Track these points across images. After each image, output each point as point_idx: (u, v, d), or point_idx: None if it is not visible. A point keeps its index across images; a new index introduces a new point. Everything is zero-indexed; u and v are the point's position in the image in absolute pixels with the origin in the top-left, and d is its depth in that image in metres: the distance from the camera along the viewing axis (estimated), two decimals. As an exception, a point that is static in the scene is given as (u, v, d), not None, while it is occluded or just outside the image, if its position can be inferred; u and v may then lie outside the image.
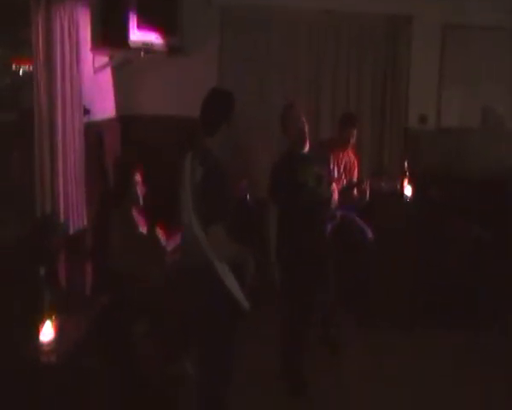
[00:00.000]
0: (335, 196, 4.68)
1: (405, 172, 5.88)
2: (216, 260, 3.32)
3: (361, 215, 5.54)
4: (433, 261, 5.77)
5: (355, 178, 5.60)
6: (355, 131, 5.46)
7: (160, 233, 4.58)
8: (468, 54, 6.13)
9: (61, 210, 4.16)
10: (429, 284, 5.66)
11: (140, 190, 4.54)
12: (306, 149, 4.39)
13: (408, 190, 5.83)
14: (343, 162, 5.52)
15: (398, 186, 5.94)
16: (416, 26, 6.09)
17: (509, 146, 6.17)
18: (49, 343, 2.94)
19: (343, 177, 5.51)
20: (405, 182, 5.86)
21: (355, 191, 5.49)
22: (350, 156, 5.59)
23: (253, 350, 4.67)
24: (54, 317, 2.99)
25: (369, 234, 5.42)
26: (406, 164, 5.90)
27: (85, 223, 4.45)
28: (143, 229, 4.53)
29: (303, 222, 4.32)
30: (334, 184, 4.73)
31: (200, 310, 3.47)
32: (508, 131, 6.26)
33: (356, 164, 5.61)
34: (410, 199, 5.83)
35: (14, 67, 4.24)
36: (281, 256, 4.31)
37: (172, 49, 5.29)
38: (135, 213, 4.52)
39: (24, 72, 4.22)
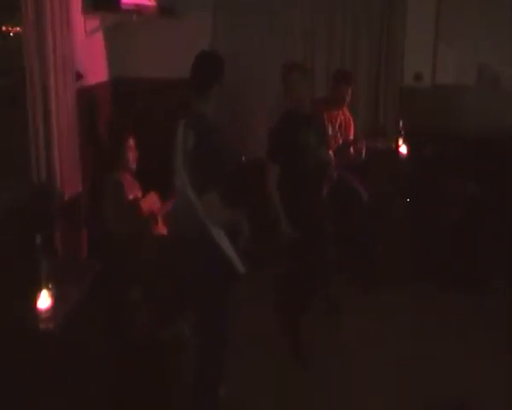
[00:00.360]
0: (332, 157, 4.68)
1: (400, 130, 5.90)
2: (210, 225, 3.34)
3: (357, 175, 5.56)
4: (428, 220, 5.80)
5: (351, 137, 5.58)
6: (350, 89, 5.40)
7: (153, 198, 4.60)
8: (464, 9, 6.05)
9: (57, 176, 4.16)
10: (427, 243, 5.70)
11: (133, 155, 4.55)
12: (307, 110, 4.35)
13: (403, 149, 5.86)
14: (338, 121, 5.49)
15: (394, 145, 5.97)
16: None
17: (505, 104, 6.14)
18: (47, 311, 2.98)
19: (338, 135, 5.49)
20: (400, 141, 5.89)
21: (351, 150, 5.47)
22: (345, 115, 5.56)
23: (255, 312, 4.73)
24: (51, 285, 3.02)
25: (365, 195, 5.44)
26: (401, 123, 5.91)
27: (80, 188, 4.46)
28: (137, 194, 4.54)
29: (303, 184, 4.30)
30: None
31: (195, 274, 3.51)
32: (504, 89, 6.22)
33: (351, 122, 5.59)
34: (406, 157, 5.86)
35: (5, 30, 4.19)
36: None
37: (164, 11, 5.23)
38: (128, 178, 4.53)
39: (14, 36, 4.17)
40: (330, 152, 4.64)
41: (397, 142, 5.92)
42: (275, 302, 4.66)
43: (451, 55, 6.19)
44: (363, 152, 5.44)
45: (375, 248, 5.59)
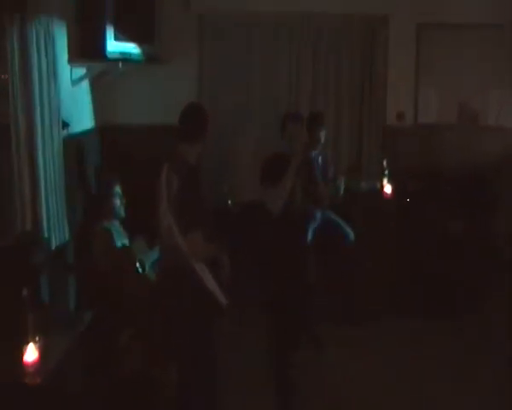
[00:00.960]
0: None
1: (384, 169, 5.96)
2: (194, 261, 3.52)
3: (342, 215, 5.60)
4: (411, 256, 5.86)
5: (330, 177, 5.59)
6: (323, 131, 5.41)
7: (140, 244, 4.60)
8: (443, 52, 6.20)
9: (43, 225, 4.16)
10: (410, 278, 5.77)
11: (120, 202, 4.57)
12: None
13: (387, 188, 5.91)
14: (315, 163, 5.50)
15: (378, 184, 6.03)
16: (391, 26, 6.15)
17: (484, 141, 6.25)
18: (33, 364, 2.96)
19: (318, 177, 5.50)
20: (385, 180, 5.94)
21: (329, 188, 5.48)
22: (324, 156, 5.59)
23: (240, 350, 4.80)
24: (37, 337, 3.00)
25: (351, 234, 5.48)
26: (385, 162, 5.98)
27: (67, 237, 4.46)
28: (124, 241, 4.55)
29: (285, 228, 4.30)
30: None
31: (180, 308, 3.61)
32: (483, 127, 6.33)
33: (330, 165, 5.61)
34: (390, 196, 5.91)
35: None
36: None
37: (150, 59, 5.30)
38: (116, 226, 4.54)
39: (1, 83, 4.18)
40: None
41: (381, 181, 5.97)
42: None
43: (432, 95, 6.31)
44: (342, 189, 5.44)
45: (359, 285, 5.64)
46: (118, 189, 4.59)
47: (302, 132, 4.39)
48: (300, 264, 4.43)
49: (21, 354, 2.98)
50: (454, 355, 4.98)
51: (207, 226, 3.58)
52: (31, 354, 2.98)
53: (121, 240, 4.51)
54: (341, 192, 5.43)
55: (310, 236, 5.11)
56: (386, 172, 5.95)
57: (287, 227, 4.24)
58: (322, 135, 5.40)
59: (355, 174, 6.17)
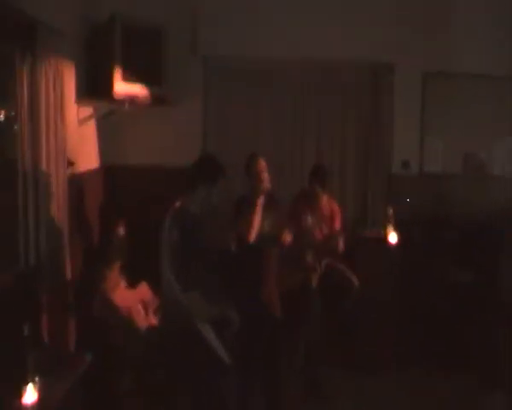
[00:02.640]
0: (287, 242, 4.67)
1: (389, 218, 5.91)
2: (197, 321, 3.43)
3: (346, 263, 5.54)
4: (416, 305, 5.78)
5: (337, 228, 5.56)
6: (323, 182, 5.38)
7: (144, 289, 4.53)
8: (449, 101, 6.24)
9: (45, 263, 4.10)
10: (413, 329, 5.68)
11: (123, 244, 4.52)
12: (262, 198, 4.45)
13: (393, 237, 5.85)
14: (319, 213, 5.48)
15: (383, 232, 5.97)
16: (397, 75, 6.18)
17: (489, 190, 6.23)
18: (32, 406, 2.85)
19: (322, 227, 5.47)
20: (390, 229, 5.89)
21: (340, 241, 5.44)
22: (329, 206, 5.55)
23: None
24: (37, 378, 2.90)
25: (355, 281, 5.41)
26: (390, 211, 5.94)
27: (69, 277, 4.38)
28: (125, 284, 4.48)
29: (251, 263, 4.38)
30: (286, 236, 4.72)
31: (185, 369, 3.54)
32: (488, 176, 6.33)
33: (338, 214, 5.57)
34: (395, 245, 5.85)
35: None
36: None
37: (157, 100, 5.30)
38: (118, 269, 4.48)
39: (6, 122, 4.18)
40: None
41: (386, 229, 5.92)
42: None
43: (438, 144, 6.32)
44: (341, 246, 5.40)
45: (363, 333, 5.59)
46: (121, 230, 4.55)
47: (262, 169, 4.48)
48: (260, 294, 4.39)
49: (20, 394, 2.87)
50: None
51: (211, 284, 3.50)
52: (30, 394, 2.88)
53: (122, 283, 4.44)
54: (341, 247, 5.38)
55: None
56: (392, 220, 5.90)
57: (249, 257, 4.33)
58: (323, 186, 5.36)
59: (360, 223, 6.15)
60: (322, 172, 5.42)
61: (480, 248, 5.90)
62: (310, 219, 5.33)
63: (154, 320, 4.39)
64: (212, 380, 3.52)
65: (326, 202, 5.46)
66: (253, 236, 4.29)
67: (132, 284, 4.59)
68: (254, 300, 4.31)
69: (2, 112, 4.12)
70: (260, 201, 4.38)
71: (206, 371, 3.48)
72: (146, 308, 4.44)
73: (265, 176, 4.46)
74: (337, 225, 5.50)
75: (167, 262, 3.47)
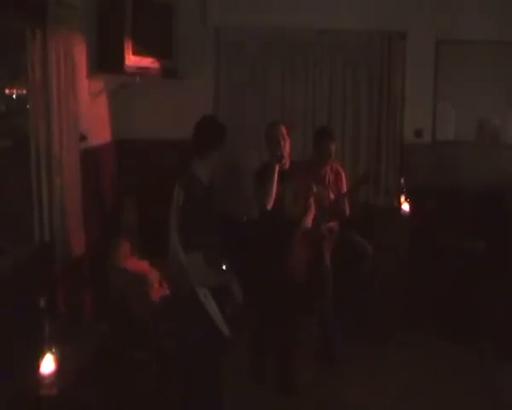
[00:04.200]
0: (310, 216, 4.73)
1: (402, 187, 5.90)
2: (197, 286, 3.37)
3: (359, 232, 5.56)
4: (427, 275, 5.75)
5: (344, 190, 5.54)
6: (331, 144, 5.31)
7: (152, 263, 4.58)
8: (461, 68, 6.17)
9: (60, 237, 4.16)
10: (425, 298, 5.66)
11: (134, 216, 4.56)
12: (286, 165, 4.52)
13: (405, 206, 5.85)
14: (327, 177, 5.47)
15: (396, 202, 5.97)
16: (409, 42, 6.13)
17: (504, 158, 6.19)
18: (50, 376, 2.92)
19: (329, 191, 5.45)
20: (402, 198, 5.89)
21: (345, 202, 5.43)
22: (335, 170, 5.54)
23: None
24: (54, 349, 2.97)
25: (369, 249, 5.43)
26: (403, 180, 5.93)
27: (83, 250, 4.44)
28: (136, 255, 4.53)
29: (274, 235, 4.47)
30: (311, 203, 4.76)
31: (184, 337, 3.55)
32: (502, 144, 6.28)
33: (343, 177, 5.56)
34: (408, 214, 5.85)
35: (8, 93, 4.23)
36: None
37: (168, 73, 5.31)
38: (129, 240, 4.53)
39: (19, 98, 4.22)
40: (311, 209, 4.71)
41: (399, 199, 5.91)
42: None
43: (451, 112, 6.27)
44: (347, 205, 5.40)
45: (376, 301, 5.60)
46: (132, 202, 4.58)
47: (280, 136, 4.54)
48: (284, 261, 4.49)
49: (38, 365, 2.94)
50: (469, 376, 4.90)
51: (214, 251, 3.43)
52: (48, 364, 2.94)
53: (133, 254, 4.49)
54: (347, 209, 5.37)
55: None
56: (404, 189, 5.89)
57: (274, 227, 4.43)
58: (331, 148, 5.36)
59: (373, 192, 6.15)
60: (329, 133, 5.41)
61: (493, 217, 5.88)
62: (318, 188, 5.31)
63: (166, 291, 4.44)
64: (210, 353, 3.51)
65: (331, 166, 5.44)
66: (271, 203, 4.36)
67: (144, 256, 4.63)
68: (280, 265, 4.43)
69: (15, 91, 4.16)
70: (278, 167, 4.45)
71: (205, 341, 3.46)
72: (159, 280, 4.49)
73: (285, 143, 4.52)
74: (343, 187, 5.50)
75: (175, 228, 3.44)
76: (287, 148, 4.56)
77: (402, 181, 5.90)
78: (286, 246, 4.53)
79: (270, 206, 4.38)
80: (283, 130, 4.58)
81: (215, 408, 3.61)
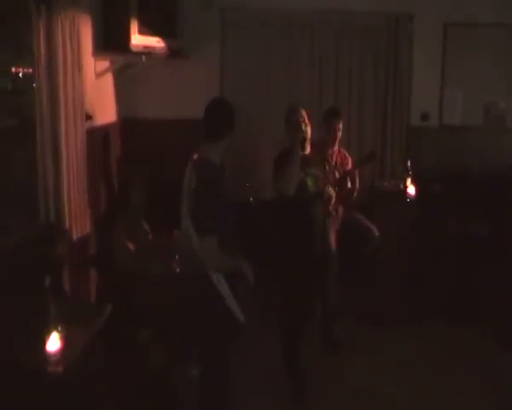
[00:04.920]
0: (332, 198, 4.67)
1: (408, 171, 5.88)
2: (211, 271, 3.34)
3: (365, 214, 5.55)
4: (432, 259, 5.76)
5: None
6: (340, 124, 5.31)
7: (162, 239, 4.58)
8: (469, 51, 6.12)
9: (65, 217, 4.16)
10: (428, 282, 5.66)
11: (141, 195, 4.56)
12: (307, 151, 4.40)
13: (411, 189, 5.83)
14: (334, 159, 5.46)
15: (401, 185, 5.95)
16: (417, 25, 6.08)
17: (510, 142, 6.16)
18: (56, 354, 2.93)
19: (335, 172, 5.44)
20: (408, 181, 5.87)
21: (347, 181, 5.42)
22: (341, 153, 5.52)
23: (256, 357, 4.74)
24: (60, 327, 2.98)
25: (375, 231, 5.43)
26: (409, 163, 5.90)
27: (88, 229, 4.45)
28: (145, 234, 4.53)
29: (299, 217, 4.34)
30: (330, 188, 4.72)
31: (199, 317, 3.49)
32: (509, 127, 6.24)
33: (348, 159, 5.53)
34: (413, 198, 5.83)
35: (14, 72, 4.22)
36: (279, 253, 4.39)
37: (173, 53, 5.29)
38: (136, 219, 4.53)
39: (25, 77, 4.21)
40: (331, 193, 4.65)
41: (405, 182, 5.89)
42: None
43: (458, 95, 6.23)
44: (357, 182, 5.39)
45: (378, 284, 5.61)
46: (139, 182, 4.58)
47: (301, 121, 4.38)
48: (311, 239, 4.38)
49: (44, 342, 2.95)
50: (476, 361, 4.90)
51: (227, 235, 3.37)
52: (54, 343, 2.95)
53: (141, 233, 4.50)
54: (357, 185, 5.36)
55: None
56: (410, 172, 5.87)
57: (298, 209, 4.30)
58: (340, 129, 5.34)
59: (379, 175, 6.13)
60: (338, 112, 5.39)
61: (499, 201, 5.86)
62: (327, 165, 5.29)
63: (173, 270, 4.45)
64: (223, 339, 3.48)
65: (338, 149, 5.44)
66: (294, 189, 4.23)
67: (151, 234, 4.64)
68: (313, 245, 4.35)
69: (21, 70, 4.15)
70: (299, 150, 4.30)
71: (218, 325, 3.42)
72: (165, 258, 4.49)
73: (307, 127, 4.39)
74: (348, 168, 5.47)
75: (187, 214, 3.40)
76: (308, 133, 4.40)
77: (408, 164, 5.87)
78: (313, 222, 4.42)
79: (292, 192, 4.22)
80: (304, 114, 4.43)
81: (224, 395, 3.60)
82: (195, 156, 3.49)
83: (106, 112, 5.31)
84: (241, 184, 5.66)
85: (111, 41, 4.92)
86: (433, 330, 5.38)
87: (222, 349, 3.50)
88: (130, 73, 5.60)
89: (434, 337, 5.28)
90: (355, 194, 5.31)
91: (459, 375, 4.68)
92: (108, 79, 5.40)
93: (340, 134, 5.33)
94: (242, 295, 3.48)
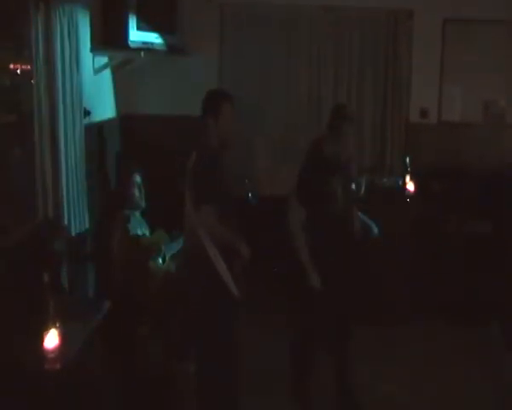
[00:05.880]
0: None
1: (407, 167, 5.87)
2: (207, 243, 3.42)
3: (363, 211, 5.53)
4: (432, 258, 5.74)
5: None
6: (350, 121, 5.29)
7: (161, 235, 4.58)
8: (468, 48, 6.10)
9: (63, 213, 4.15)
10: (428, 280, 5.64)
11: (140, 192, 4.55)
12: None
13: (410, 186, 5.83)
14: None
15: (400, 182, 5.95)
16: (416, 21, 6.05)
17: (510, 139, 6.15)
18: (54, 350, 2.93)
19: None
20: (407, 177, 5.86)
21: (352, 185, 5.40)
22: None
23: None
24: (58, 324, 2.97)
25: (374, 228, 5.41)
26: (408, 160, 5.90)
27: (87, 225, 4.44)
28: (144, 232, 4.53)
29: (325, 233, 4.07)
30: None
31: (196, 297, 3.59)
32: (508, 124, 6.23)
33: (354, 161, 5.52)
34: (412, 194, 5.83)
35: (12, 68, 4.21)
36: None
37: (172, 49, 5.28)
38: (136, 216, 4.52)
39: (23, 73, 4.19)
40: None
41: (404, 179, 5.89)
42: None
43: (457, 92, 6.21)
44: (363, 187, 5.37)
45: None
46: (138, 178, 4.58)
47: (351, 135, 4.15)
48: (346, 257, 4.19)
49: (42, 339, 2.95)
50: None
51: (227, 210, 3.49)
52: (52, 339, 2.95)
53: (142, 230, 4.49)
54: (362, 191, 5.36)
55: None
56: (409, 169, 5.87)
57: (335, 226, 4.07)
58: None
59: (377, 171, 6.11)
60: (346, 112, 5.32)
61: (499, 199, 5.85)
62: None
63: (170, 266, 4.45)
64: (225, 312, 3.55)
65: None
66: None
67: (149, 230, 4.63)
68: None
69: (19, 66, 4.13)
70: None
71: (218, 302, 3.51)
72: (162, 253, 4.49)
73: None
74: (352, 172, 5.46)
75: (188, 195, 3.51)
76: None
77: (407, 160, 5.87)
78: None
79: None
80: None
81: (226, 391, 3.62)
82: (197, 141, 3.61)
83: (104, 108, 5.31)
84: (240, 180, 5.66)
85: (109, 37, 4.92)
86: (433, 330, 5.37)
87: (222, 334, 3.55)
88: (128, 69, 5.58)
89: (434, 337, 5.28)
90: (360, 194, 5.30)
91: (459, 375, 4.67)
92: (107, 75, 5.40)
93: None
94: (238, 271, 3.54)
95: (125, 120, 5.76)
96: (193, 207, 3.45)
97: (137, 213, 4.56)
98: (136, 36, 4.91)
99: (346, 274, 4.17)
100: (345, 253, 4.16)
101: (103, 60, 5.17)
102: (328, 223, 4.06)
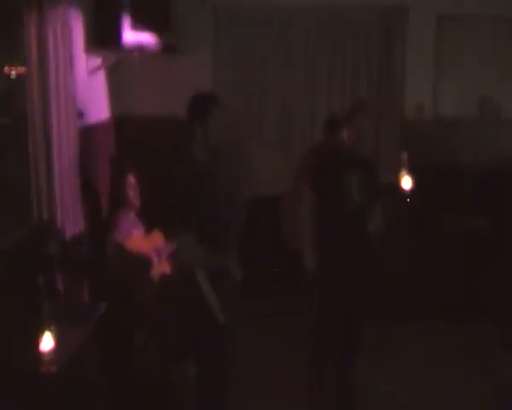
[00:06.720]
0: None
1: (403, 164, 5.85)
2: (195, 267, 3.27)
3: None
4: (428, 254, 5.75)
5: None
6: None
7: (157, 236, 4.56)
8: (464, 44, 6.09)
9: (58, 216, 4.14)
10: (426, 278, 5.65)
11: (135, 193, 4.54)
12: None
13: (406, 183, 5.80)
14: None
15: (396, 178, 5.93)
16: (411, 17, 6.03)
17: (505, 135, 6.14)
18: (49, 353, 2.92)
19: None
20: (403, 174, 5.84)
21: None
22: None
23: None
24: (53, 326, 2.96)
25: (371, 226, 5.40)
26: (404, 156, 5.87)
27: (82, 228, 4.43)
28: (139, 232, 4.52)
29: (336, 228, 4.05)
30: None
31: (186, 318, 3.48)
32: (504, 121, 6.23)
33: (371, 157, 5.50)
34: (409, 191, 5.81)
35: (6, 71, 4.20)
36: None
37: (166, 49, 5.27)
38: (131, 216, 4.51)
39: (16, 75, 4.18)
40: None
41: (399, 175, 5.87)
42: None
43: (452, 87, 6.21)
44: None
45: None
46: (132, 179, 4.57)
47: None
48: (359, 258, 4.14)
49: (37, 342, 2.94)
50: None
51: (212, 230, 3.25)
52: (47, 342, 2.94)
53: (136, 231, 4.48)
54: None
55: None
56: (405, 166, 5.85)
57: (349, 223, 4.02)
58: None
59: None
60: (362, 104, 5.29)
61: (494, 195, 5.84)
62: None
63: (167, 268, 4.43)
64: (208, 336, 3.38)
65: None
66: None
67: (145, 232, 4.62)
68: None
69: (13, 69, 4.12)
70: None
71: (199, 322, 3.35)
72: (159, 256, 4.48)
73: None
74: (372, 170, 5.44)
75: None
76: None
77: (404, 157, 5.84)
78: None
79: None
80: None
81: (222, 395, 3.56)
82: (181, 153, 3.45)
83: (98, 109, 5.29)
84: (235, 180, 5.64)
85: (103, 37, 4.88)
86: (433, 330, 5.36)
87: (211, 348, 3.41)
88: (122, 69, 5.58)
89: (434, 337, 5.27)
90: None
91: (459, 375, 4.67)
92: (100, 76, 5.38)
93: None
94: (227, 293, 3.36)
95: (119, 120, 5.75)
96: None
97: (132, 214, 4.55)
98: (130, 36, 4.89)
99: (356, 274, 4.10)
100: (356, 253, 4.09)
101: (97, 60, 5.16)
102: (341, 220, 4.02)
